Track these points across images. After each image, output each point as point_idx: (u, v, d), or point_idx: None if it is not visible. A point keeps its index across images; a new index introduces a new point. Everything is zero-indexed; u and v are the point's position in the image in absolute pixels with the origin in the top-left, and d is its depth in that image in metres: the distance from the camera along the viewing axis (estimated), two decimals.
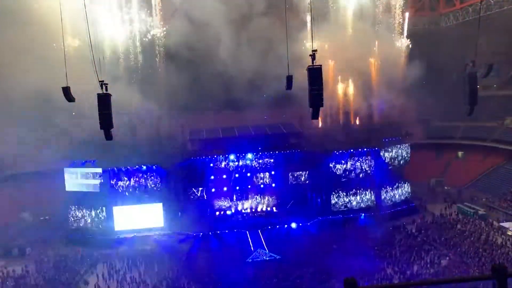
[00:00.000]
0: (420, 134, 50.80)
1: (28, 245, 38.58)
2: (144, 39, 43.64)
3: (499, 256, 30.47)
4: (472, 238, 34.39)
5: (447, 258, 32.44)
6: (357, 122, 45.93)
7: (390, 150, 44.93)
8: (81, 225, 42.04)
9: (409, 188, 45.93)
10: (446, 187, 50.53)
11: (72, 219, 42.23)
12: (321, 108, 16.23)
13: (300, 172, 44.76)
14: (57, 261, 35.56)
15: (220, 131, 46.25)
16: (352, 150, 43.55)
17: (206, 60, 41.68)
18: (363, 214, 42.46)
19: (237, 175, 44.09)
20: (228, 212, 44.23)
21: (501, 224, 37.02)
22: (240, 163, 44.13)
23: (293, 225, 40.46)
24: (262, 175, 44.69)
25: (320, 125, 44.37)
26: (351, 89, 44.90)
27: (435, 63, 46.94)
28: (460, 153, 54.01)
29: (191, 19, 40.16)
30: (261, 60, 39.69)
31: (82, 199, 41.92)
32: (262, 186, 44.82)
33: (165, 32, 43.60)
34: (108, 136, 17.58)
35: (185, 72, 41.47)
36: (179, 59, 42.20)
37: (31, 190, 43.95)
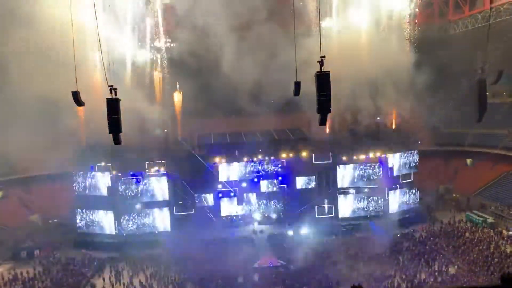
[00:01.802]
0: (428, 140, 50.50)
1: (36, 248, 38.83)
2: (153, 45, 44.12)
3: (509, 265, 30.10)
4: (480, 247, 34.01)
5: (455, 266, 32.12)
6: (366, 128, 45.66)
7: (398, 156, 44.70)
8: (89, 228, 42.27)
9: (417, 195, 45.59)
10: (454, 195, 50.11)
11: (80, 223, 42.49)
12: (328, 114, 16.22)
13: (308, 177, 44.61)
14: (64, 264, 35.78)
15: (228, 136, 46.37)
16: (360, 156, 43.44)
17: (214, 67, 41.93)
18: (370, 221, 42.20)
19: (244, 181, 44.04)
20: (235, 217, 44.22)
21: (510, 233, 36.60)
22: (248, 168, 44.13)
23: (303, 231, 40.36)
24: (269, 180, 44.61)
25: (328, 130, 44.25)
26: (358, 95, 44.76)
27: (444, 70, 46.72)
28: (469, 161, 53.56)
29: (197, 28, 40.57)
30: (269, 66, 39.87)
31: (90, 202, 42.16)
32: (269, 191, 44.72)
33: (172, 43, 44.10)
34: (117, 141, 17.68)
35: (194, 78, 41.78)
36: (188, 65, 42.56)
37: (40, 193, 44.38)
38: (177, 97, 45.16)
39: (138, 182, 41.17)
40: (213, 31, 40.59)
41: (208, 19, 40.24)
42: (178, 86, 43.65)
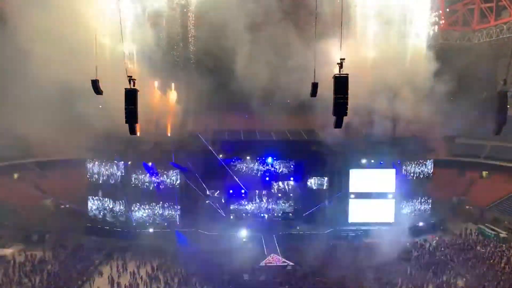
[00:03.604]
0: (444, 150, 49.91)
1: (47, 232, 39.41)
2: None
3: None
4: (491, 261, 33.50)
5: (464, 279, 31.65)
6: (381, 133, 45.22)
7: (412, 164, 44.24)
8: (99, 216, 42.83)
9: (429, 205, 45.05)
10: (468, 206, 49.45)
11: (92, 209, 43.04)
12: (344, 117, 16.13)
13: (320, 178, 44.41)
14: (74, 250, 36.26)
15: (242, 134, 46.43)
16: (374, 162, 43.14)
17: (230, 65, 41.93)
18: (381, 227, 41.83)
19: (256, 178, 44.08)
20: (244, 215, 44.27)
21: None
22: (260, 166, 44.16)
23: (312, 233, 40.22)
24: (281, 179, 44.56)
25: (343, 133, 43.92)
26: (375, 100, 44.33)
27: (465, 79, 46.04)
28: (484, 173, 52.79)
29: (215, 26, 40.66)
30: (285, 67, 39.74)
31: (103, 190, 42.69)
32: (280, 190, 44.70)
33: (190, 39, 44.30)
34: (133, 131, 17.85)
35: (210, 75, 41.95)
36: (206, 62, 42.74)
37: (55, 178, 45.04)
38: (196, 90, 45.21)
39: (151, 174, 41.59)
40: (230, 29, 40.58)
41: (225, 17, 40.26)
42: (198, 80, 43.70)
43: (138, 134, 18.74)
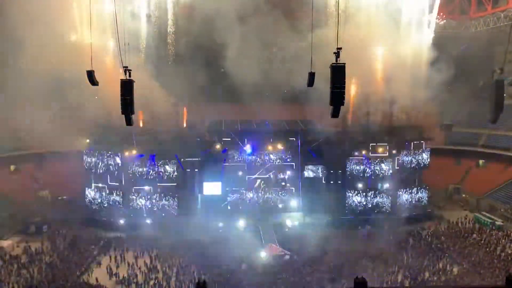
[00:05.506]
0: (441, 139, 49.99)
1: (45, 223, 39.40)
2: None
3: None
4: (487, 249, 33.77)
5: (460, 266, 31.92)
6: (378, 122, 45.27)
7: (409, 153, 44.36)
8: (97, 206, 42.80)
9: (426, 193, 45.24)
10: (464, 195, 49.72)
11: (89, 201, 43.02)
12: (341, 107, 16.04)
13: (316, 169, 44.42)
14: (72, 241, 36.30)
15: (239, 124, 46.33)
16: (371, 151, 43.21)
17: (226, 55, 41.78)
18: (377, 216, 42.03)
19: (253, 168, 44.10)
20: (242, 204, 44.31)
21: None
22: (257, 156, 44.13)
23: (309, 222, 40.34)
24: (278, 169, 44.56)
25: (340, 123, 43.92)
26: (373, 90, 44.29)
27: (462, 68, 46.02)
28: (481, 161, 52.99)
29: (209, 17, 40.50)
30: (285, 56, 39.66)
31: (100, 182, 42.62)
32: (277, 180, 44.73)
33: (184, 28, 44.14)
34: (129, 122, 17.74)
35: (206, 65, 41.88)
36: (201, 52, 42.60)
37: (51, 170, 44.94)
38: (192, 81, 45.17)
39: (153, 163, 41.62)
40: (223, 20, 40.37)
41: (218, 8, 40.06)
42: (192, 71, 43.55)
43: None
